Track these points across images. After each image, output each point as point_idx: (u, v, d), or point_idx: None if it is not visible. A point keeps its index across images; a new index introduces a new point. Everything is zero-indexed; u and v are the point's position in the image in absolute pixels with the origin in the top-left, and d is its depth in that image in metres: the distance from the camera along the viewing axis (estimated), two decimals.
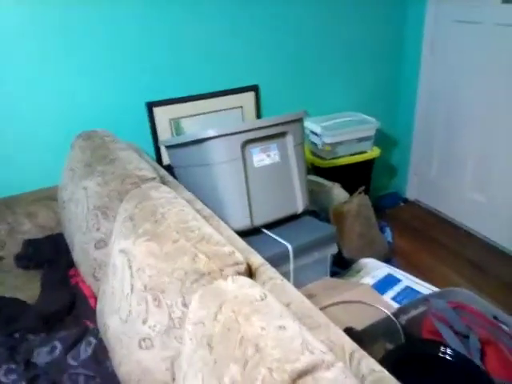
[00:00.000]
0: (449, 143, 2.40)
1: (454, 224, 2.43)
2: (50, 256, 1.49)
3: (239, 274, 0.87)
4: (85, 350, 1.08)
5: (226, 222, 1.23)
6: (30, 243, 1.55)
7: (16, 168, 1.72)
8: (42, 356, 1.08)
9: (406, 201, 2.73)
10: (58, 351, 1.08)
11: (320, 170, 2.15)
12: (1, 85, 1.60)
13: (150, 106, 1.86)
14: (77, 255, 1.35)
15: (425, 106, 2.49)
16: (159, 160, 1.96)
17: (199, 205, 1.28)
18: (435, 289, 1.53)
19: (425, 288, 1.59)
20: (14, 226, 1.60)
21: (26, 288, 1.40)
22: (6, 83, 1.61)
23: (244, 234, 1.31)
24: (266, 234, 1.45)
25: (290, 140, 1.45)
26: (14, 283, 1.43)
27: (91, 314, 1.20)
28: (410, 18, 2.39)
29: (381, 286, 1.61)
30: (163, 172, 1.51)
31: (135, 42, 1.76)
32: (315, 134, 2.14)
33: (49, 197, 1.64)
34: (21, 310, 1.26)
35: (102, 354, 1.08)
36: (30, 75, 1.64)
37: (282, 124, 1.41)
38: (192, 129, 1.98)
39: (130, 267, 0.97)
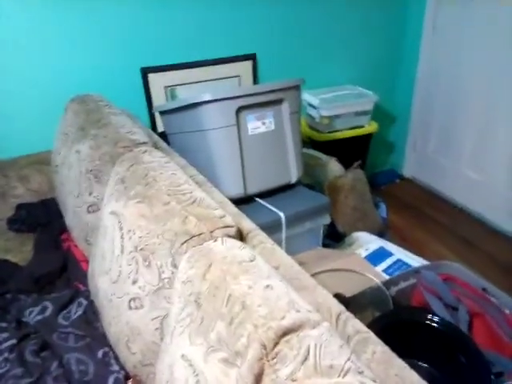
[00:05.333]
0: (447, 121, 2.38)
1: (450, 201, 2.43)
2: (43, 220, 1.49)
3: (229, 236, 0.87)
4: (75, 311, 1.09)
5: (219, 190, 1.23)
6: (22, 207, 1.54)
7: (8, 132, 1.70)
8: (33, 315, 1.08)
9: (402, 178, 2.73)
10: (49, 311, 1.08)
11: (316, 143, 2.13)
12: None
13: (145, 71, 1.82)
14: (69, 219, 1.35)
15: (424, 83, 2.46)
16: (153, 128, 1.94)
17: (192, 171, 1.27)
18: (427, 262, 1.54)
19: (416, 262, 1.60)
20: (7, 189, 1.60)
21: (18, 251, 1.40)
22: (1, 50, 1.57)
23: (237, 202, 1.30)
24: (259, 202, 1.45)
25: (285, 108, 1.43)
26: (6, 246, 1.43)
27: (82, 277, 1.20)
28: None
29: (373, 259, 1.62)
30: (156, 138, 1.50)
31: (131, 4, 1.72)
32: (313, 106, 2.12)
33: (41, 161, 1.63)
34: (12, 272, 1.26)
35: (92, 315, 1.08)
36: (21, 38, 1.60)
37: (279, 91, 1.39)
38: (187, 95, 1.95)
39: (121, 228, 0.97)
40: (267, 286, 0.69)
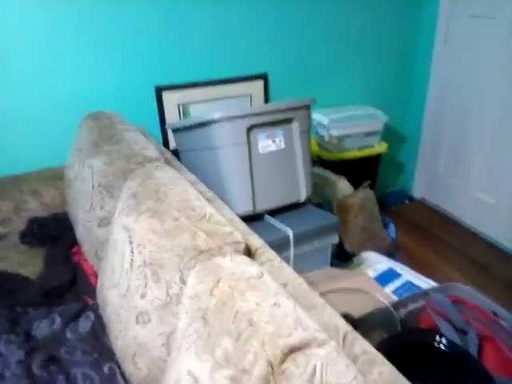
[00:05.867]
0: (457, 142, 2.38)
1: (459, 223, 2.42)
2: (54, 234, 1.51)
3: (238, 253, 0.87)
4: (83, 325, 1.09)
5: (229, 207, 1.24)
6: (34, 221, 1.56)
7: (23, 147, 1.73)
8: (41, 329, 1.09)
9: (411, 198, 2.72)
10: (57, 325, 1.09)
11: (326, 162, 2.14)
12: (9, 64, 1.62)
13: (159, 90, 1.86)
14: (80, 233, 1.37)
15: (435, 103, 2.47)
16: (166, 144, 1.97)
17: (202, 187, 1.28)
18: (436, 284, 1.53)
19: (425, 283, 1.58)
20: (20, 203, 1.62)
21: (29, 264, 1.41)
22: (14, 63, 1.62)
23: (246, 219, 1.32)
24: (268, 220, 1.46)
25: (296, 127, 1.45)
26: (17, 259, 1.45)
27: (91, 291, 1.21)
28: (424, 12, 2.38)
29: (381, 279, 1.61)
30: (168, 154, 1.52)
31: (146, 24, 1.77)
32: (323, 125, 2.14)
33: (54, 176, 1.66)
34: (23, 285, 1.28)
35: (100, 329, 1.09)
36: (38, 56, 1.65)
37: (289, 110, 1.41)
38: (199, 113, 1.98)
39: (131, 243, 0.98)
40: (275, 304, 0.69)
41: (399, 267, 1.70)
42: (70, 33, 1.67)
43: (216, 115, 1.32)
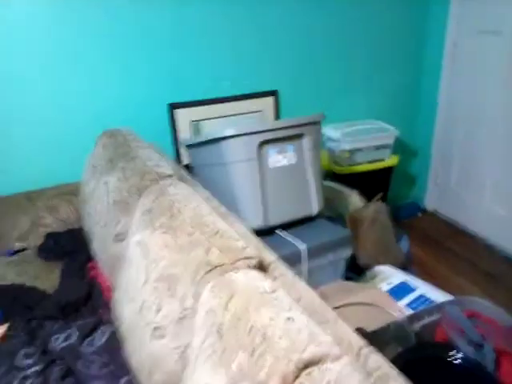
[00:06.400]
0: (469, 153, 2.37)
1: (473, 235, 2.40)
2: (70, 249, 1.53)
3: (251, 267, 0.88)
4: (100, 339, 1.11)
5: (241, 221, 1.25)
6: (51, 236, 1.60)
7: (39, 163, 1.78)
8: (58, 342, 1.11)
9: (424, 211, 2.71)
10: (73, 338, 1.11)
11: (337, 176, 2.15)
12: (26, 82, 1.67)
13: (172, 107, 1.90)
14: (96, 248, 1.39)
15: (445, 115, 2.47)
16: (178, 160, 2.00)
17: (215, 202, 1.30)
18: (450, 297, 1.51)
19: (440, 297, 1.57)
20: (37, 219, 1.66)
21: (46, 278, 1.44)
22: (30, 81, 1.68)
23: (258, 233, 1.32)
24: (280, 234, 1.47)
25: (306, 142, 1.47)
26: (34, 273, 1.48)
27: (107, 305, 1.23)
28: (432, 27, 2.39)
29: (395, 293, 1.60)
30: (182, 171, 1.54)
31: (160, 44, 1.82)
32: (334, 140, 2.15)
33: (70, 192, 1.69)
34: (40, 299, 1.30)
35: (116, 343, 1.10)
36: (54, 74, 1.70)
37: (299, 126, 1.43)
38: (211, 130, 2.02)
39: (146, 258, 1.00)
40: (288, 319, 0.70)
41: (413, 280, 1.69)
42: (86, 52, 1.72)
43: (228, 132, 1.34)
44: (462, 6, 2.24)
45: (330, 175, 2.17)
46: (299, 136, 1.46)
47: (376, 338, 1.11)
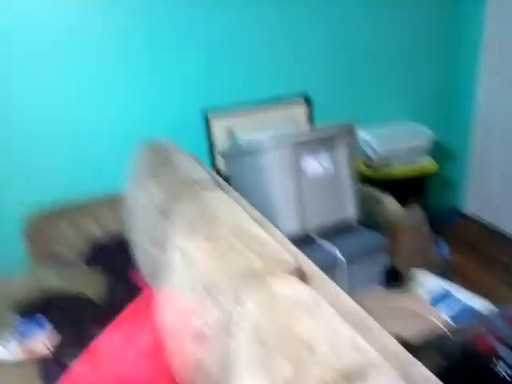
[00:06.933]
0: (508, 157, 2.30)
1: None
2: (115, 257, 1.59)
3: (291, 276, 0.89)
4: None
5: (278, 229, 1.26)
6: (96, 245, 1.66)
7: (84, 174, 1.85)
8: None
9: (463, 216, 2.64)
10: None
11: (373, 181, 2.13)
12: (63, 94, 1.75)
13: (207, 114, 1.93)
14: (139, 255, 1.43)
15: (482, 118, 2.41)
16: (214, 168, 2.03)
17: (253, 210, 1.31)
18: (492, 306, 1.47)
19: (480, 305, 1.52)
20: (83, 228, 1.73)
21: (92, 286, 1.50)
22: (67, 92, 1.76)
23: (295, 241, 1.33)
24: (317, 242, 1.47)
25: (341, 149, 1.46)
26: (80, 281, 1.53)
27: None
28: (468, 27, 2.34)
29: (435, 301, 1.56)
30: (220, 179, 1.57)
31: (195, 50, 1.85)
32: (368, 143, 2.13)
33: (114, 201, 1.75)
34: (86, 306, 1.35)
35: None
36: (91, 85, 1.77)
37: (334, 132, 1.43)
38: (247, 138, 2.04)
39: (187, 266, 1.02)
40: (333, 330, 0.70)
41: (453, 288, 1.65)
42: (122, 59, 1.77)
43: (265, 140, 1.36)
44: (500, 5, 2.17)
45: (365, 180, 2.15)
46: (334, 143, 1.46)
47: (418, 349, 1.09)
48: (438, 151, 2.44)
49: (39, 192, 1.78)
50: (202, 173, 1.36)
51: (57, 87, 1.73)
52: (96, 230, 1.72)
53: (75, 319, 1.27)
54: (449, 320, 1.38)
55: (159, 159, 1.48)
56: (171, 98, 1.88)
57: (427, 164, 2.18)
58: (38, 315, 1.32)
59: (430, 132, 2.15)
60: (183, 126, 1.93)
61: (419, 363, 0.73)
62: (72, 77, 1.74)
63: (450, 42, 2.36)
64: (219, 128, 1.98)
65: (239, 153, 1.56)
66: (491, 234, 2.42)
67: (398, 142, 2.09)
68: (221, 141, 2.00)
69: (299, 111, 2.10)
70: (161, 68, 1.83)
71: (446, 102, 2.49)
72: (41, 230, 1.71)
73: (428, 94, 2.41)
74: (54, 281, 1.51)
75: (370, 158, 2.14)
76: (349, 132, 1.49)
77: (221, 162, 1.96)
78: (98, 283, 1.47)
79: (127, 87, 1.81)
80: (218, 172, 2.01)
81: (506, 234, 2.36)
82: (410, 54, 2.27)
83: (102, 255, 1.59)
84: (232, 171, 1.74)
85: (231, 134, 2.01)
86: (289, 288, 0.82)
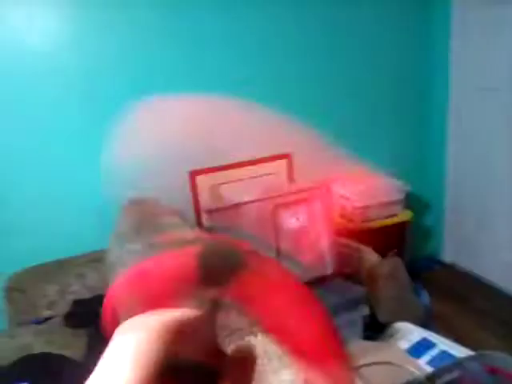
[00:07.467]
0: (482, 204, 2.41)
1: (492, 286, 2.38)
2: (97, 315, 1.59)
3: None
4: None
5: None
6: (78, 303, 1.66)
7: (67, 231, 1.88)
8: None
9: (442, 263, 2.71)
10: None
11: (351, 233, 2.19)
12: (47, 152, 1.82)
13: (193, 174, 2.02)
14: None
15: (455, 169, 2.55)
16: (199, 223, 2.09)
17: None
18: (470, 352, 1.50)
19: (461, 352, 1.56)
20: (65, 286, 1.74)
21: (73, 346, 1.49)
22: (51, 150, 1.82)
23: None
24: None
25: (318, 205, 1.55)
26: (62, 341, 1.53)
27: None
28: (435, 85, 2.52)
29: (416, 351, 1.59)
30: (204, 235, 1.63)
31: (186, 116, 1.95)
32: (345, 198, 2.23)
33: (97, 259, 1.78)
34: (67, 367, 1.35)
35: None
36: (73, 141, 1.85)
37: (311, 190, 1.52)
38: (230, 194, 2.11)
39: None
40: (308, 381, 0.74)
41: (433, 336, 1.68)
42: (105, 117, 1.85)
43: (246, 197, 1.44)
44: (461, 66, 2.38)
45: (343, 232, 2.22)
46: (311, 199, 1.55)
47: None
48: (415, 202, 2.54)
49: (19, 251, 1.80)
50: (186, 230, 1.42)
51: (38, 146, 1.80)
52: (78, 288, 1.73)
53: (54, 380, 1.26)
54: (428, 369, 1.41)
55: (144, 217, 1.54)
56: (161, 160, 1.93)
57: (403, 215, 2.27)
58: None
59: (404, 185, 2.26)
60: (172, 184, 1.98)
61: None
62: (55, 136, 1.82)
63: (419, 99, 2.53)
64: (204, 186, 2.06)
65: (221, 208, 1.63)
66: (469, 280, 2.48)
67: (375, 196, 2.19)
68: (205, 197, 2.07)
69: (281, 169, 2.21)
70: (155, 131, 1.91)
71: (420, 155, 2.62)
72: (21, 289, 1.72)
73: (402, 149, 2.54)
74: (34, 342, 1.51)
75: (347, 211, 2.23)
76: (325, 188, 1.58)
77: (205, 218, 2.02)
78: (79, 343, 1.47)
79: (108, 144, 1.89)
80: (203, 228, 2.06)
81: (483, 280, 2.42)
82: (382, 112, 2.43)
83: (84, 314, 1.59)
84: (215, 225, 1.80)
85: (215, 191, 2.08)
86: (265, 342, 0.86)
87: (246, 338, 0.89)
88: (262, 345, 0.85)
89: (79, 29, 1.83)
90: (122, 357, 0.24)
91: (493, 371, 1.28)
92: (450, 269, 2.65)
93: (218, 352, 0.28)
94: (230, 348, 0.27)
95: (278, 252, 1.47)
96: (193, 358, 0.25)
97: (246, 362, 0.28)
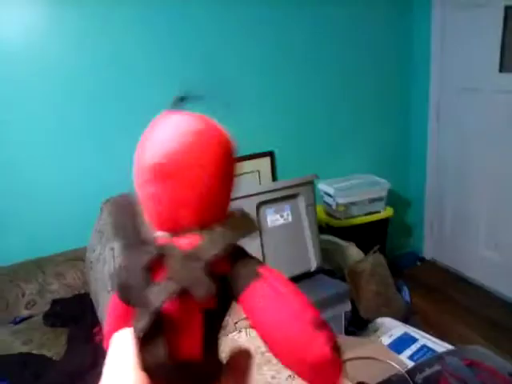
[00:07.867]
0: (461, 202, 2.45)
1: (471, 282, 2.43)
2: (76, 314, 1.57)
3: (252, 327, 0.93)
4: None
5: None
6: (57, 302, 1.63)
7: (46, 230, 1.85)
8: None
9: (422, 260, 2.75)
10: None
11: (334, 229, 2.21)
12: (32, 154, 1.79)
13: None
14: (102, 314, 1.43)
15: (434, 166, 2.58)
16: None
17: None
18: (451, 347, 1.53)
19: (441, 347, 1.58)
20: (44, 285, 1.70)
21: (53, 345, 1.46)
22: (36, 153, 1.80)
23: None
24: None
25: (301, 201, 1.55)
26: (41, 340, 1.50)
27: None
28: (416, 85, 2.56)
29: (397, 345, 1.62)
30: None
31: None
32: (329, 195, 2.24)
33: (76, 257, 1.75)
34: (47, 366, 1.32)
35: None
36: (62, 146, 1.82)
37: (294, 186, 1.52)
38: None
39: None
40: (290, 376, 0.74)
41: (414, 331, 1.71)
42: (89, 122, 1.84)
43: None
44: (443, 64, 2.41)
45: (327, 229, 2.24)
46: (294, 196, 1.55)
47: None
48: (396, 199, 2.58)
49: None
50: None
51: (20, 146, 1.77)
52: (58, 286, 1.70)
53: (35, 381, 1.24)
54: (409, 363, 1.43)
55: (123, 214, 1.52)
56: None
57: (385, 212, 2.30)
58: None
59: (386, 182, 2.29)
60: None
61: None
62: (37, 136, 1.79)
63: (402, 101, 2.55)
64: None
65: None
66: (449, 276, 2.52)
67: (357, 193, 2.21)
68: None
69: (264, 167, 2.21)
70: (130, 129, 1.90)
71: (401, 153, 2.66)
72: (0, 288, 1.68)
73: (384, 147, 2.57)
74: (13, 341, 1.47)
75: (331, 208, 2.25)
76: (308, 185, 1.58)
77: None
78: (59, 342, 1.44)
79: (98, 148, 1.87)
80: None
81: (462, 276, 2.47)
82: (364, 114, 2.44)
83: (63, 313, 1.56)
84: None
85: None
86: (248, 338, 0.86)
87: (230, 335, 0.89)
88: (246, 341, 0.85)
89: (79, 29, 1.80)
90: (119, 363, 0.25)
91: (472, 364, 1.30)
92: (431, 265, 2.69)
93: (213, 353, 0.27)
94: (224, 351, 0.27)
95: (262, 249, 1.47)
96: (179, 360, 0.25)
97: (242, 364, 0.28)
